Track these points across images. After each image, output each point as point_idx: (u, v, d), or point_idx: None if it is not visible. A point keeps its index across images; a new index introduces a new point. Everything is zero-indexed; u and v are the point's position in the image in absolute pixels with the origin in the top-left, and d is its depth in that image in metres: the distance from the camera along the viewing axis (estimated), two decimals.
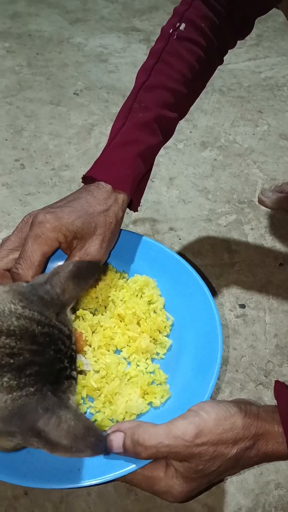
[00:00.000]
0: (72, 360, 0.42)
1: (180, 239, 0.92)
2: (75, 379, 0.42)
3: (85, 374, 0.53)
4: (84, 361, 0.53)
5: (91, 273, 0.47)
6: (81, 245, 0.53)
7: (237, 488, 0.60)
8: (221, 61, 0.67)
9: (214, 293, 0.82)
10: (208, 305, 0.57)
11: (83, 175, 0.59)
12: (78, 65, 1.40)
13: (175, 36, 0.61)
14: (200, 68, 0.62)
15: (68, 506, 0.57)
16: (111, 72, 1.38)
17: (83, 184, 0.60)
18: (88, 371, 0.53)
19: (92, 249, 0.54)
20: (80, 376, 0.52)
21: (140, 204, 0.65)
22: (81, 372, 0.53)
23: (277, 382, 0.47)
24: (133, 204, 0.63)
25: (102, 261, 0.56)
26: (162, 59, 0.60)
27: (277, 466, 0.62)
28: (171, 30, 0.61)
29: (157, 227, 0.94)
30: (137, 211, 0.65)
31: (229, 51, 0.69)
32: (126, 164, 0.57)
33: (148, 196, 0.99)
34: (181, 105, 0.62)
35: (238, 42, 0.68)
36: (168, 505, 0.58)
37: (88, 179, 0.58)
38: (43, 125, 1.16)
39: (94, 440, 0.36)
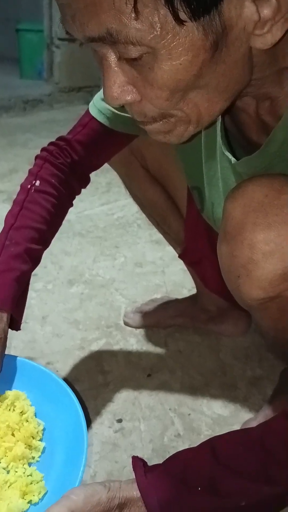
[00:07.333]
0: None
1: (57, 371, 1.00)
2: None
3: None
4: None
5: None
6: None
7: None
8: (71, 204, 0.84)
9: (93, 414, 0.89)
10: (73, 405, 0.66)
11: None
12: None
13: (33, 190, 0.77)
14: (55, 211, 0.78)
15: None
16: None
17: None
18: None
19: None
20: None
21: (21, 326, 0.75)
22: None
23: (133, 457, 0.56)
24: (16, 322, 0.73)
25: None
26: (25, 206, 0.76)
27: None
28: (29, 186, 0.78)
29: None
30: (20, 329, 0.75)
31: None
32: (6, 288, 0.69)
33: (23, 337, 1.07)
34: (43, 239, 0.77)
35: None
36: None
37: None
38: None
39: None
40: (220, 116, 0.63)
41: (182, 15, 0.43)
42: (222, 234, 0.58)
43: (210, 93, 0.50)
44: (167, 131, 0.55)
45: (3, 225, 0.77)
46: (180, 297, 1.19)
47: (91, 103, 0.79)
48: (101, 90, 0.73)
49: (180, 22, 0.43)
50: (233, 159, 0.63)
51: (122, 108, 0.57)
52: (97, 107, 0.77)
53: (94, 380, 0.98)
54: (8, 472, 0.61)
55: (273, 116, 0.58)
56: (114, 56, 0.48)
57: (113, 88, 0.50)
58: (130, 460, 0.56)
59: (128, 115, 0.69)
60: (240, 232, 0.54)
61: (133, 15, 0.42)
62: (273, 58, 0.52)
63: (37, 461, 0.64)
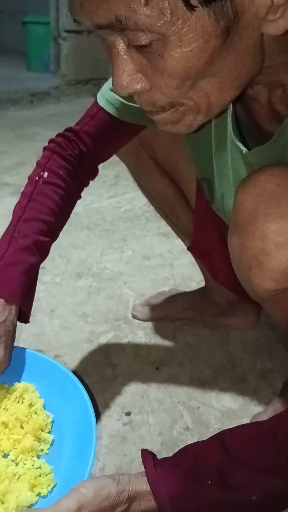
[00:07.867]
0: None
1: (66, 364, 1.00)
2: None
3: None
4: None
5: None
6: None
7: None
8: (79, 196, 0.83)
9: (101, 407, 0.89)
10: (82, 397, 0.66)
11: None
12: None
13: (41, 182, 0.77)
14: (63, 203, 0.77)
15: None
16: None
17: None
18: None
19: None
20: None
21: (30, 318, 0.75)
22: None
23: (143, 450, 0.56)
24: (24, 315, 0.73)
25: (7, 364, 0.66)
26: (33, 198, 0.75)
27: None
28: (37, 178, 0.77)
29: None
30: (28, 322, 0.75)
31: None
32: (15, 280, 0.69)
33: (31, 330, 1.07)
34: (52, 231, 0.77)
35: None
36: None
37: None
38: None
39: None
40: (231, 105, 0.62)
41: (193, 1, 0.42)
42: (233, 225, 0.57)
43: (221, 81, 0.49)
44: (175, 121, 0.54)
45: (12, 217, 0.76)
46: (188, 290, 1.18)
47: (99, 94, 0.78)
48: (109, 80, 0.72)
49: (191, 7, 0.42)
50: (244, 149, 0.62)
51: (130, 98, 0.56)
52: (106, 97, 0.76)
53: (103, 373, 0.97)
54: (17, 464, 0.61)
55: (286, 104, 0.57)
56: (123, 44, 0.47)
57: (122, 77, 0.49)
58: (139, 453, 0.56)
59: (137, 105, 0.68)
60: (251, 222, 0.53)
61: (142, 1, 0.41)
62: (284, 45, 0.51)
63: (46, 453, 0.64)
